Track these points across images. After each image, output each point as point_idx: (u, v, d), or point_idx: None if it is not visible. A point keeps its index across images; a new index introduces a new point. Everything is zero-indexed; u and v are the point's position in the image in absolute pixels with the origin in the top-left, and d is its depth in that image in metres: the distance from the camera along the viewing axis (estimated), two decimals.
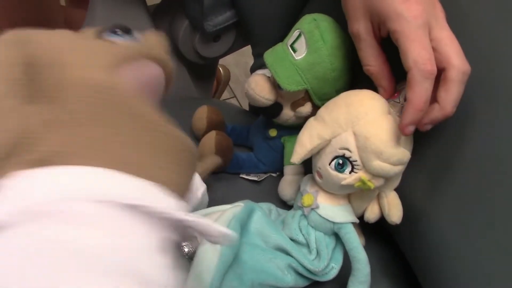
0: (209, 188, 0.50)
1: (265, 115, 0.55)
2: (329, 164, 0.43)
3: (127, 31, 0.26)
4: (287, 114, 0.53)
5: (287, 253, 0.47)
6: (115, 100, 0.22)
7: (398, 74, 0.43)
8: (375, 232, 0.54)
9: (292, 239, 0.48)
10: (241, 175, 0.61)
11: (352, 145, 0.41)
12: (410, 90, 0.37)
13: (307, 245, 0.48)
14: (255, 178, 0.61)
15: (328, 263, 0.47)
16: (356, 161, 0.41)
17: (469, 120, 0.41)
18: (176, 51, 0.77)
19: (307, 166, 0.50)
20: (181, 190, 0.23)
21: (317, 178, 0.46)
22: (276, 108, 0.53)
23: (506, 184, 0.38)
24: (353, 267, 0.46)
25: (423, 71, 0.36)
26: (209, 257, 0.41)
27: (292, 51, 0.50)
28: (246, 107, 0.82)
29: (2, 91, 0.21)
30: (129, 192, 0.20)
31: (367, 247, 0.48)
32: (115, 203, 0.19)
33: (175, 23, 0.74)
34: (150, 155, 0.22)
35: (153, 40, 0.28)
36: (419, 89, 0.37)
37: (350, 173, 0.42)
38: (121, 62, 0.24)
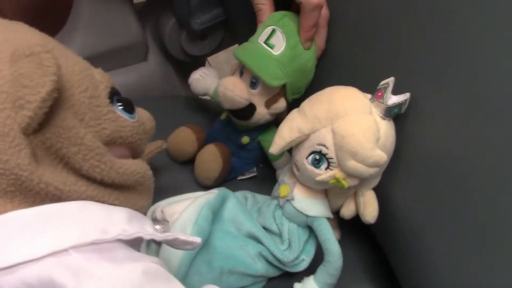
0: None
1: (239, 117, 0.54)
2: (306, 158, 0.43)
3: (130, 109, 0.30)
4: (260, 113, 0.52)
5: (258, 241, 0.47)
6: None
7: (382, 74, 0.42)
8: (354, 226, 0.54)
9: (265, 228, 0.48)
10: (238, 178, 0.61)
11: (329, 142, 0.41)
12: (302, 17, 0.48)
13: (280, 235, 0.48)
14: (254, 174, 0.61)
15: (298, 255, 0.47)
16: (332, 158, 0.41)
17: (450, 122, 0.40)
18: (162, 49, 0.76)
19: None
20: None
21: (295, 170, 0.46)
22: (251, 108, 0.52)
23: (484, 183, 0.38)
24: (325, 259, 0.46)
25: (312, 4, 0.46)
26: None
27: (269, 48, 0.49)
28: None
29: None
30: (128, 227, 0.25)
31: (345, 241, 0.48)
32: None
33: (161, 20, 0.73)
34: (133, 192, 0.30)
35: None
36: (309, 16, 0.47)
37: (326, 169, 0.42)
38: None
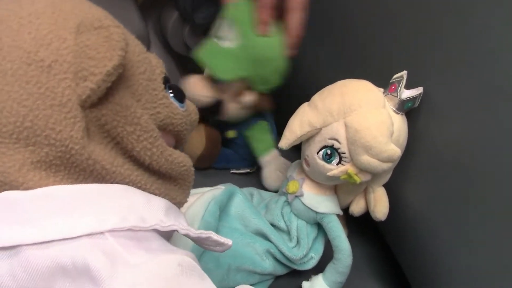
0: (199, 186, 0.49)
1: (209, 115, 0.52)
2: (317, 153, 0.42)
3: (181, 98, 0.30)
4: (233, 107, 0.51)
5: (266, 238, 0.46)
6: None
7: (394, 68, 0.41)
8: (361, 223, 0.53)
9: (273, 225, 0.47)
10: (231, 171, 0.59)
11: (342, 136, 0.40)
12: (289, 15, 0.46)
13: (288, 232, 0.47)
14: (248, 170, 0.60)
15: (307, 252, 0.46)
16: (344, 153, 0.40)
17: (459, 118, 0.40)
18: (164, 43, 0.74)
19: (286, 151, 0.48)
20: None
21: (305, 165, 0.45)
22: (217, 105, 0.50)
23: (498, 181, 0.37)
24: (335, 256, 0.45)
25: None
26: (185, 238, 0.40)
27: (219, 41, 0.47)
28: None
29: None
30: (164, 219, 0.24)
31: (352, 238, 0.47)
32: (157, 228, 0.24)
33: (164, 14, 0.71)
34: (175, 184, 0.28)
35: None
36: (296, 15, 0.46)
37: (337, 164, 0.41)
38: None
